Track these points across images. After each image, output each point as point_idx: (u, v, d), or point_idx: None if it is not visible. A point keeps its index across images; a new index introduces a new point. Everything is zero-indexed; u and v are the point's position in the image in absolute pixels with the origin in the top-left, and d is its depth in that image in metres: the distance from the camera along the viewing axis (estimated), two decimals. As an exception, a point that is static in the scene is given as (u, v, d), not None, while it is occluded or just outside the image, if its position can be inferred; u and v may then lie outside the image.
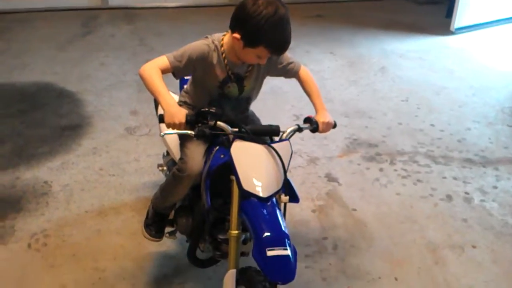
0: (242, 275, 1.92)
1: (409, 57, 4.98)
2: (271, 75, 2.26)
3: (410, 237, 2.80)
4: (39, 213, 2.88)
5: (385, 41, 5.31)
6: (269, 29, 1.87)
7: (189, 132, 1.91)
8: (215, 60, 2.03)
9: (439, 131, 3.78)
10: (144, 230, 2.37)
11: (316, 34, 5.35)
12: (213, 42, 2.04)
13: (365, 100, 4.14)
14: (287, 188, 2.01)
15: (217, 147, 2.08)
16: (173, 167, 2.17)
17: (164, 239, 2.46)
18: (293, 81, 2.35)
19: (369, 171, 3.33)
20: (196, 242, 2.23)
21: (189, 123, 1.90)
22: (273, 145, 1.93)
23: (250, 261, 1.89)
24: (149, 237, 2.36)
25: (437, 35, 5.47)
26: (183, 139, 2.15)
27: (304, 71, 2.27)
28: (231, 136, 1.94)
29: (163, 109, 1.91)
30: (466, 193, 3.15)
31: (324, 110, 2.16)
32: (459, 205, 3.04)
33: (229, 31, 1.99)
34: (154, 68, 1.97)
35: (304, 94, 2.30)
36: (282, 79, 2.38)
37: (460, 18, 5.46)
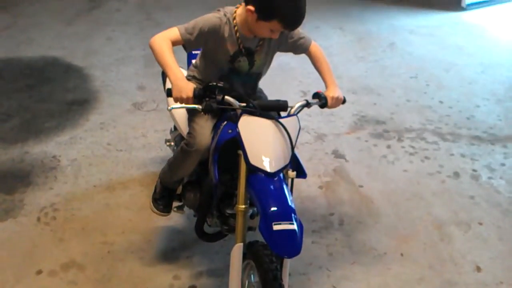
0: (249, 249, 1.94)
1: (419, 33, 4.91)
2: (281, 51, 2.24)
3: (417, 213, 2.81)
4: (48, 187, 2.91)
5: (395, 17, 5.24)
6: (284, 2, 1.85)
7: (196, 106, 1.90)
8: (226, 33, 2.01)
9: (447, 108, 3.75)
10: (152, 204, 2.39)
11: (325, 10, 5.28)
12: (225, 15, 2.02)
13: (373, 77, 4.10)
14: (294, 164, 2.02)
15: (225, 122, 2.07)
16: (181, 142, 2.18)
17: (172, 213, 2.48)
18: (301, 57, 2.34)
19: (377, 148, 3.32)
20: (203, 216, 2.25)
21: (197, 97, 1.89)
22: (281, 120, 1.93)
23: (257, 236, 1.91)
24: (157, 211, 2.38)
25: (447, 11, 5.38)
26: (191, 113, 2.15)
27: (315, 46, 2.25)
28: (238, 111, 1.94)
29: (171, 83, 1.90)
30: (474, 170, 3.14)
31: (334, 86, 2.14)
32: (466, 182, 3.04)
33: (243, 3, 1.97)
34: (164, 40, 1.95)
35: (312, 70, 2.29)
36: (290, 55, 2.36)
37: (472, -7, 5.38)
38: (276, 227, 1.74)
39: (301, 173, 2.04)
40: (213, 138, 2.08)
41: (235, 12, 2.03)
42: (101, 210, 2.76)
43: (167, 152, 3.16)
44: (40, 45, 4.47)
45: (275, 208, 1.79)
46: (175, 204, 2.45)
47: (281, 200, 1.82)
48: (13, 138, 3.30)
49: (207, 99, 1.90)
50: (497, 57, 4.50)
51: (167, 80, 2.47)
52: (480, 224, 2.75)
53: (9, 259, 2.46)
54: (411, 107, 3.76)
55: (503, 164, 3.19)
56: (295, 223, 1.77)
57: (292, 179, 1.95)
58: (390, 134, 3.45)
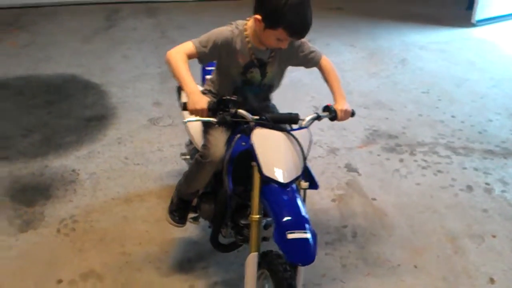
0: (264, 259, 1.98)
1: (430, 49, 4.97)
2: (293, 65, 2.31)
3: (430, 226, 2.83)
4: (67, 200, 2.98)
5: (405, 33, 5.30)
6: (289, 10, 1.91)
7: (211, 119, 1.97)
8: (238, 46, 2.09)
9: (460, 122, 3.78)
10: (168, 216, 2.44)
11: (336, 26, 5.36)
12: (237, 28, 2.10)
13: (385, 92, 4.16)
14: (307, 175, 2.07)
15: (238, 135, 2.13)
16: (196, 154, 2.24)
17: (188, 225, 2.54)
18: (313, 73, 2.40)
19: (389, 162, 3.35)
20: (218, 227, 2.30)
21: (211, 110, 1.96)
22: (293, 132, 1.99)
23: (271, 246, 1.96)
24: (173, 222, 2.43)
25: (458, 27, 5.44)
26: (206, 126, 2.21)
27: (325, 60, 2.31)
28: (251, 124, 2.00)
29: (187, 96, 1.97)
30: (487, 183, 3.16)
31: (343, 99, 2.20)
32: (479, 196, 3.06)
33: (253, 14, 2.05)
34: (180, 54, 2.03)
35: (324, 85, 2.35)
36: (302, 70, 2.42)
37: (481, 10, 5.42)
38: (290, 236, 1.79)
39: (313, 185, 2.08)
40: (227, 150, 2.15)
41: (246, 24, 2.11)
42: (119, 222, 2.82)
43: (183, 166, 3.22)
44: (58, 63, 4.60)
45: (288, 218, 1.84)
46: (191, 215, 2.50)
47: (295, 209, 1.87)
48: (33, 152, 3.39)
49: (221, 112, 1.97)
50: (508, 72, 4.53)
51: (182, 94, 2.57)
52: (494, 236, 2.76)
53: (30, 268, 2.52)
54: (423, 121, 3.80)
55: (516, 178, 3.21)
56: (308, 232, 1.82)
57: (305, 190, 2.00)
58: (402, 148, 3.48)
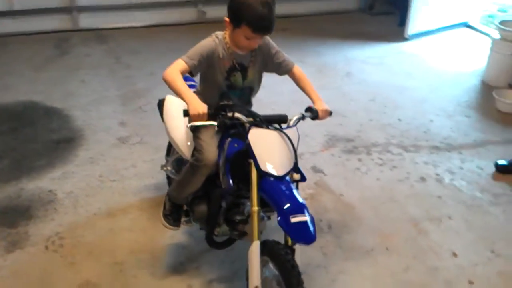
0: (264, 247, 2.16)
1: (371, 63, 5.40)
2: (268, 71, 2.55)
3: (394, 214, 3.13)
4: (49, 219, 3.03)
5: (347, 50, 5.72)
6: (249, 7, 2.15)
7: (212, 122, 2.16)
8: (221, 53, 2.32)
9: (406, 124, 4.17)
10: (163, 220, 2.58)
11: (283, 46, 5.55)
12: (217, 37, 2.34)
13: (336, 102, 4.48)
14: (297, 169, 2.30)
15: (229, 139, 2.34)
16: (190, 159, 2.41)
17: (173, 232, 2.74)
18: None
19: (350, 162, 3.65)
20: (212, 227, 2.47)
21: (211, 115, 2.16)
22: (284, 130, 2.22)
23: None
24: (168, 226, 2.57)
25: (393, 42, 5.93)
26: (197, 132, 2.38)
27: (297, 68, 2.58)
28: (246, 125, 2.21)
29: (188, 104, 2.15)
30: (437, 174, 3.52)
31: (321, 100, 2.46)
32: (432, 185, 3.41)
33: None
34: (174, 71, 2.23)
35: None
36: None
37: (412, 26, 5.95)
38: (293, 220, 2.00)
39: (302, 177, 2.31)
40: (219, 154, 2.34)
41: (225, 33, 2.35)
42: (106, 235, 2.91)
43: (159, 178, 3.37)
44: (16, 91, 4.58)
45: (288, 205, 2.05)
46: (183, 218, 2.65)
47: (293, 197, 2.08)
48: (5, 177, 3.40)
49: (220, 116, 2.17)
50: (442, 79, 5.02)
51: (165, 108, 2.74)
52: (450, 218, 3.10)
53: (24, 285, 2.56)
54: (374, 125, 4.15)
55: (461, 168, 3.59)
56: (307, 215, 2.04)
57: (297, 181, 2.23)
58: (359, 150, 3.80)
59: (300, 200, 2.08)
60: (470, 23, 6.40)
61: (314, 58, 5.39)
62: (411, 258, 2.78)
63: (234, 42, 2.31)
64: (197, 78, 2.53)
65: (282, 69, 2.54)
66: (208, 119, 2.16)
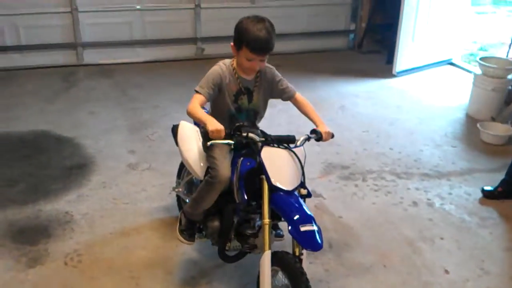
0: (274, 257, 2.38)
1: (362, 97, 5.72)
2: (274, 97, 2.83)
3: (389, 235, 3.37)
4: (68, 237, 3.21)
5: (339, 85, 6.06)
6: (247, 30, 2.49)
7: (229, 141, 2.42)
8: (228, 79, 2.63)
9: (398, 153, 4.45)
10: (179, 235, 2.79)
11: (279, 81, 6.02)
12: (224, 64, 2.65)
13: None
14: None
15: (242, 158, 2.59)
16: (205, 177, 2.64)
17: (185, 248, 3.03)
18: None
19: (347, 187, 3.90)
20: (225, 241, 2.68)
21: (227, 134, 2.41)
22: (293, 150, 2.48)
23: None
24: (184, 240, 2.78)
25: (382, 78, 6.29)
26: (211, 153, 2.61)
27: (299, 95, 2.87)
28: (259, 144, 2.47)
29: (208, 125, 2.40)
30: (428, 199, 3.78)
31: (323, 124, 2.74)
32: (424, 209, 3.66)
33: None
34: (195, 105, 2.54)
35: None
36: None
37: (399, 63, 6.34)
38: (302, 229, 2.23)
39: (308, 194, 2.55)
40: (232, 171, 2.58)
41: (232, 60, 2.66)
42: (121, 252, 3.10)
43: (169, 201, 3.59)
44: (27, 121, 4.80)
45: (298, 216, 2.29)
46: (196, 234, 2.86)
47: (301, 209, 2.32)
48: (23, 199, 3.59)
49: (236, 135, 2.43)
50: (429, 112, 5.35)
51: (179, 133, 2.96)
52: (442, 239, 3.34)
53: (47, 298, 2.74)
54: (368, 154, 4.43)
55: (450, 193, 3.86)
56: (315, 225, 2.27)
57: (304, 196, 2.47)
58: (355, 176, 4.06)
59: (308, 212, 2.32)
60: (453, 61, 6.82)
61: (308, 93, 5.62)
62: (407, 274, 3.00)
63: (239, 65, 2.63)
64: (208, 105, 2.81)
65: (286, 95, 2.82)
66: (225, 138, 2.41)
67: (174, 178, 3.39)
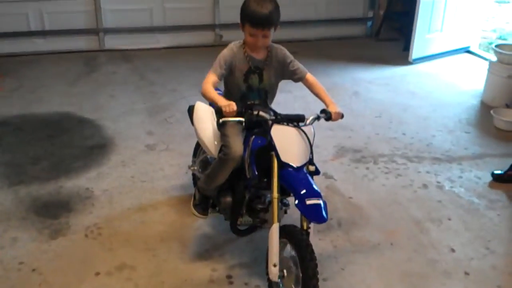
0: (282, 230, 2.50)
1: (376, 83, 5.77)
2: (285, 78, 2.92)
3: (398, 215, 3.45)
4: (88, 212, 3.37)
5: (354, 71, 6.12)
6: (248, 7, 2.63)
7: (240, 119, 2.53)
8: (238, 58, 2.74)
9: (410, 138, 4.51)
10: (193, 209, 2.93)
11: (295, 67, 6.11)
12: (234, 45, 2.77)
13: (345, 117, 4.56)
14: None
15: (253, 136, 2.70)
16: (219, 154, 2.76)
17: (200, 223, 3.17)
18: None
19: (358, 170, 3.99)
20: (236, 216, 2.81)
21: (239, 113, 2.52)
22: (302, 127, 2.58)
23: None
24: (198, 214, 2.92)
25: (397, 65, 6.32)
26: (224, 131, 2.73)
27: (310, 76, 2.95)
28: (269, 122, 2.57)
29: (220, 104, 2.52)
30: (438, 182, 3.84)
31: (334, 104, 2.82)
32: (433, 191, 3.73)
33: None
34: (208, 85, 2.67)
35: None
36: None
37: (416, 50, 6.35)
38: (308, 202, 2.34)
39: (317, 171, 2.66)
40: (244, 149, 2.69)
41: (243, 41, 2.77)
42: (138, 226, 3.25)
43: (185, 180, 3.73)
44: (50, 103, 4.99)
45: (305, 190, 2.40)
46: (210, 209, 2.99)
47: (309, 184, 2.43)
48: (46, 177, 3.76)
49: (247, 113, 2.55)
50: (443, 99, 5.37)
51: (194, 113, 3.07)
52: (449, 219, 3.41)
53: (68, 266, 2.90)
54: (380, 138, 4.50)
55: (460, 177, 3.92)
56: (321, 199, 2.38)
57: (312, 173, 2.58)
58: (367, 159, 4.14)
59: (315, 187, 2.43)
60: (471, 49, 6.80)
61: (323, 79, 5.66)
62: (413, 252, 3.09)
63: (247, 44, 2.74)
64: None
65: (297, 75, 2.91)
66: (237, 116, 2.52)
67: (190, 158, 3.53)
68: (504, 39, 7.72)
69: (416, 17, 6.16)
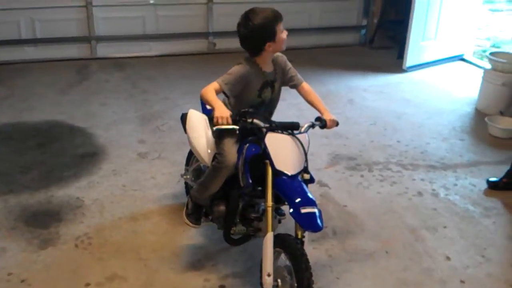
0: (277, 239, 2.45)
1: (371, 91, 5.76)
2: (283, 84, 2.89)
3: (393, 223, 3.41)
4: (78, 221, 3.31)
5: (349, 79, 6.10)
6: (266, 18, 2.59)
7: (234, 127, 2.48)
8: (254, 73, 2.67)
9: (404, 145, 4.49)
10: (186, 218, 2.88)
11: (289, 75, 6.08)
12: (246, 63, 2.68)
13: (340, 125, 4.66)
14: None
15: (247, 144, 2.65)
16: (212, 162, 2.71)
17: (192, 233, 3.10)
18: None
19: (352, 177, 3.95)
20: (230, 225, 2.76)
21: (233, 121, 2.48)
22: (296, 136, 2.54)
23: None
24: (190, 224, 2.87)
25: (392, 73, 6.31)
26: (219, 138, 2.69)
27: (306, 84, 2.93)
28: (263, 130, 2.53)
29: (215, 110, 2.48)
30: (433, 189, 3.81)
31: (328, 112, 2.80)
32: (428, 199, 3.70)
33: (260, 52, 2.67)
34: (209, 89, 2.60)
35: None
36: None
37: (410, 58, 6.36)
38: (303, 211, 2.31)
39: (311, 179, 2.62)
40: (238, 157, 2.65)
41: (255, 59, 2.70)
42: (130, 236, 3.19)
43: (176, 189, 3.68)
44: (41, 111, 4.93)
45: (299, 199, 2.36)
46: (203, 218, 2.94)
47: (303, 192, 2.40)
48: (36, 186, 3.69)
49: (241, 121, 2.50)
50: (437, 107, 5.36)
51: (187, 121, 3.03)
52: (445, 227, 3.38)
53: (58, 276, 2.84)
54: (375, 146, 4.47)
55: (455, 184, 3.89)
56: (316, 208, 2.34)
57: (307, 181, 2.54)
58: (361, 167, 4.11)
59: (310, 195, 2.39)
60: (465, 57, 6.81)
61: (318, 86, 5.71)
62: (408, 260, 3.05)
63: (275, 50, 2.69)
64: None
65: (293, 82, 2.89)
66: (231, 124, 2.48)
67: (183, 167, 3.47)
68: (498, 47, 7.75)
69: (410, 25, 6.17)
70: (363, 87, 5.86)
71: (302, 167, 2.51)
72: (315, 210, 2.32)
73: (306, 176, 2.52)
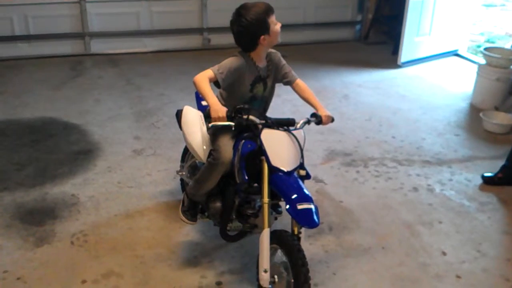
0: (273, 235, 2.45)
1: (366, 87, 5.76)
2: (277, 81, 2.88)
3: (389, 218, 3.42)
4: (74, 218, 3.30)
5: (344, 75, 6.10)
6: (258, 11, 2.59)
7: (230, 123, 2.47)
8: (247, 69, 2.66)
9: (400, 141, 4.49)
10: (182, 215, 2.87)
11: (284, 70, 6.07)
12: (242, 56, 2.67)
13: (335, 121, 4.72)
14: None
15: (243, 141, 2.65)
16: (208, 158, 2.71)
17: (189, 229, 3.09)
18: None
19: (348, 173, 3.96)
20: (226, 221, 2.75)
21: (228, 117, 2.47)
22: (292, 132, 2.54)
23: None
24: (186, 220, 2.86)
25: (387, 69, 6.32)
26: (215, 134, 2.69)
27: (300, 81, 2.92)
28: (259, 126, 2.53)
29: (210, 106, 2.47)
30: (429, 185, 3.82)
31: (323, 108, 2.79)
32: (424, 194, 3.71)
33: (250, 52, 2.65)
34: (203, 77, 2.55)
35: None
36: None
37: (405, 54, 6.36)
38: (299, 207, 2.30)
39: (307, 175, 2.61)
40: (234, 153, 2.64)
41: (249, 54, 2.68)
42: (126, 233, 3.18)
43: (172, 186, 3.66)
44: (35, 108, 4.90)
45: (296, 195, 2.35)
46: (199, 215, 2.94)
47: (299, 189, 2.39)
48: (31, 183, 3.68)
49: (237, 117, 2.49)
50: (433, 102, 5.37)
51: (183, 116, 3.02)
52: (440, 222, 3.39)
53: (54, 274, 2.82)
54: (370, 142, 4.47)
55: (451, 180, 3.90)
56: (312, 204, 2.34)
57: (303, 177, 2.53)
58: (357, 163, 4.11)
59: (306, 192, 2.38)
60: (459, 52, 6.82)
61: (313, 82, 5.74)
62: (404, 256, 3.06)
63: (270, 44, 2.67)
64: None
65: (287, 79, 2.88)
66: (227, 121, 2.47)
67: (178, 163, 3.47)
68: (492, 42, 7.77)
69: (404, 21, 6.17)
70: (358, 83, 5.86)
71: (298, 163, 2.50)
72: (312, 206, 2.32)
73: (302, 173, 2.52)
